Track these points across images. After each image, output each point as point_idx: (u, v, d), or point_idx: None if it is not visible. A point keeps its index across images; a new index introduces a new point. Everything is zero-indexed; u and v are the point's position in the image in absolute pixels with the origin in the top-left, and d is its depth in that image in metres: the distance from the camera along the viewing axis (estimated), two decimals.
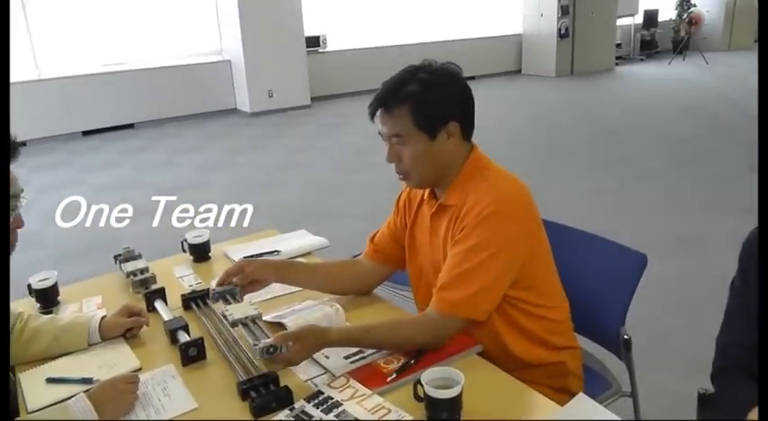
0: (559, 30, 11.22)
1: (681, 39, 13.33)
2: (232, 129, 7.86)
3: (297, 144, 6.98)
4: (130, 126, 8.00)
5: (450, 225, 1.40)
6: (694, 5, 13.24)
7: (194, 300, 1.62)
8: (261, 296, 1.65)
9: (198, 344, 1.36)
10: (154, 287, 1.66)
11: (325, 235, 2.07)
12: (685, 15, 13.32)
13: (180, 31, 8.40)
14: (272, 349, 1.19)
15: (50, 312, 1.64)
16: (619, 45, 12.93)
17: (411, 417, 1.12)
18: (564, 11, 11.18)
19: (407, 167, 1.42)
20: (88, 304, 1.70)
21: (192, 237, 1.94)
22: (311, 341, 1.25)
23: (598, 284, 1.66)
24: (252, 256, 1.88)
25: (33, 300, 1.69)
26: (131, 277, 1.73)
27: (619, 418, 1.09)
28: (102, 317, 1.48)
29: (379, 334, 1.32)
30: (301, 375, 1.29)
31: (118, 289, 1.79)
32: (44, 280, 1.69)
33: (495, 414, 1.14)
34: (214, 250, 1.98)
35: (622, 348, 1.58)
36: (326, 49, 9.46)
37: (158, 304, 1.60)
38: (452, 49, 10.49)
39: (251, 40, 8.17)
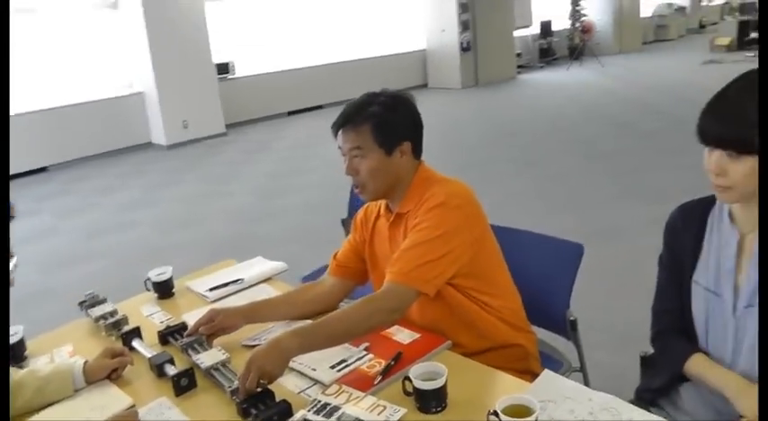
0: (461, 43, 11.75)
1: (576, 45, 14.28)
2: (149, 165, 7.72)
3: (217, 173, 6.97)
4: (43, 170, 7.69)
5: (408, 228, 1.56)
6: (585, 15, 14.26)
7: (171, 334, 1.67)
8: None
9: (189, 374, 1.43)
10: (127, 327, 1.70)
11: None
12: (577, 24, 14.33)
13: (88, 65, 8.18)
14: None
15: (21, 368, 1.64)
16: (519, 54, 13.67)
17: (405, 410, 1.24)
18: (465, 26, 11.73)
19: (364, 180, 1.58)
20: (59, 354, 1.69)
21: (156, 275, 1.98)
22: (272, 360, 1.33)
23: (542, 276, 1.85)
24: (216, 287, 1.95)
25: None
26: (102, 321, 1.75)
27: (580, 385, 1.26)
28: (85, 362, 1.51)
29: (328, 328, 1.41)
30: (293, 389, 1.38)
31: (86, 334, 1.80)
32: (11, 335, 1.69)
33: (476, 397, 1.29)
34: (176, 285, 2.03)
35: (569, 328, 1.78)
36: (236, 76, 9.48)
37: (136, 343, 1.65)
38: (360, 67, 10.81)
39: (162, 69, 8.07)
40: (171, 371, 1.46)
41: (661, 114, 7.88)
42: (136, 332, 1.68)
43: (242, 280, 1.99)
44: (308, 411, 1.27)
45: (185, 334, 1.62)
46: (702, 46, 14.32)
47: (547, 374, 1.34)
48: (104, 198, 6.40)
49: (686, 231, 1.35)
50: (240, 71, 9.56)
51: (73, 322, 1.89)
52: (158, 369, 1.50)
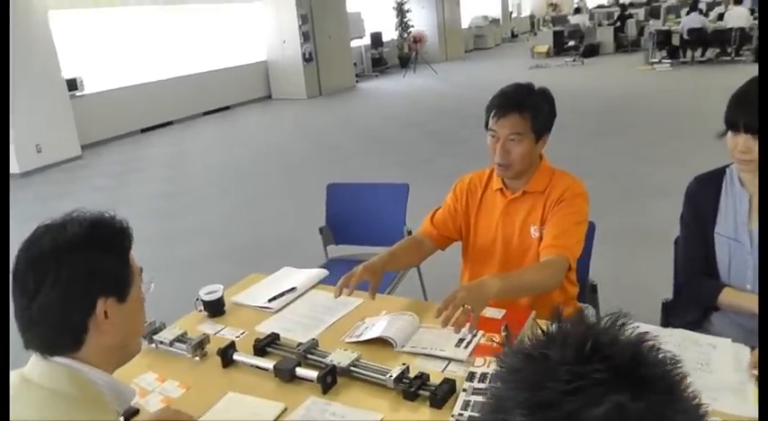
0: (304, 54, 12.00)
1: (406, 55, 15.27)
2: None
3: (92, 200, 6.43)
4: None
5: (538, 204, 1.86)
6: (412, 26, 15.31)
7: (268, 345, 1.72)
8: (320, 327, 1.83)
9: (333, 372, 1.53)
10: (220, 346, 1.71)
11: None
12: (406, 35, 15.35)
13: None
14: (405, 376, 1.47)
15: None
16: (355, 64, 14.26)
17: None
18: (306, 37, 11.99)
19: (513, 161, 1.83)
20: (145, 380, 1.65)
21: (206, 294, 1.97)
22: (474, 295, 1.55)
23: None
24: (274, 298, 2.01)
25: None
26: (179, 345, 1.74)
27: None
28: None
29: (529, 276, 1.71)
30: (437, 369, 1.55)
31: (159, 360, 1.76)
32: None
33: None
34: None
35: (589, 292, 2.13)
36: (84, 93, 8.80)
37: (239, 356, 1.68)
38: (206, 79, 10.59)
39: (11, 90, 7.16)
40: (305, 372, 1.54)
41: None
42: (232, 346, 1.70)
43: (295, 288, 2.07)
44: (473, 382, 1.45)
45: (341, 286, 1.78)
46: (523, 53, 16.21)
47: None
48: None
49: (706, 195, 1.78)
50: (89, 87, 8.88)
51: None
52: (289, 373, 1.56)
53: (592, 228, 2.13)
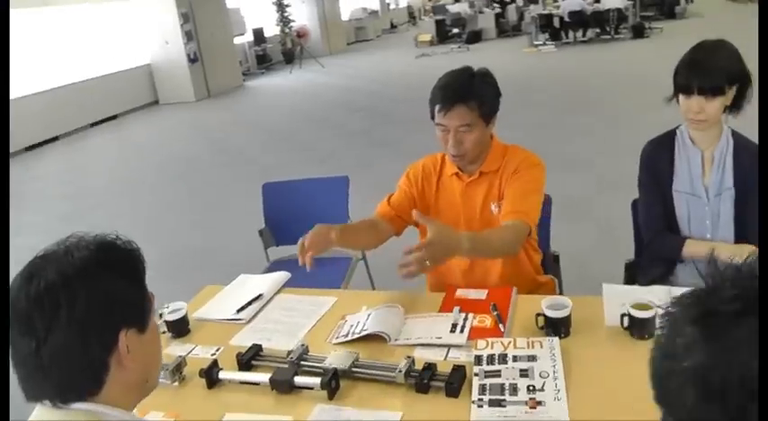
0: (188, 55, 11.47)
1: (290, 50, 15.02)
2: None
3: None
4: None
5: (495, 181, 1.87)
6: (293, 21, 15.06)
7: (253, 357, 1.62)
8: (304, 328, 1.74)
9: (336, 376, 1.45)
10: (203, 366, 1.58)
11: None
12: (288, 30, 15.07)
13: None
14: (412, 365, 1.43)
15: None
16: (240, 62, 13.84)
17: (557, 338, 1.50)
18: (189, 36, 11.46)
19: (467, 150, 1.81)
20: None
21: (169, 314, 1.82)
22: (441, 249, 1.52)
23: None
24: (242, 308, 1.89)
25: None
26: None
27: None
28: None
29: (495, 237, 1.71)
30: (438, 358, 1.51)
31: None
32: None
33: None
34: None
35: (551, 262, 2.19)
36: None
37: (225, 374, 1.56)
38: (88, 88, 9.88)
39: None
40: (304, 379, 1.46)
41: (395, 99, 9.11)
42: (216, 365, 1.58)
43: (262, 295, 1.95)
44: (482, 365, 1.43)
45: (301, 254, 1.70)
46: (405, 43, 16.45)
47: (607, 286, 1.72)
48: None
49: (661, 156, 1.88)
50: None
51: None
52: (288, 384, 1.47)
53: (549, 201, 2.19)
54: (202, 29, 11.74)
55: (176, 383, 1.58)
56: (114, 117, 10.62)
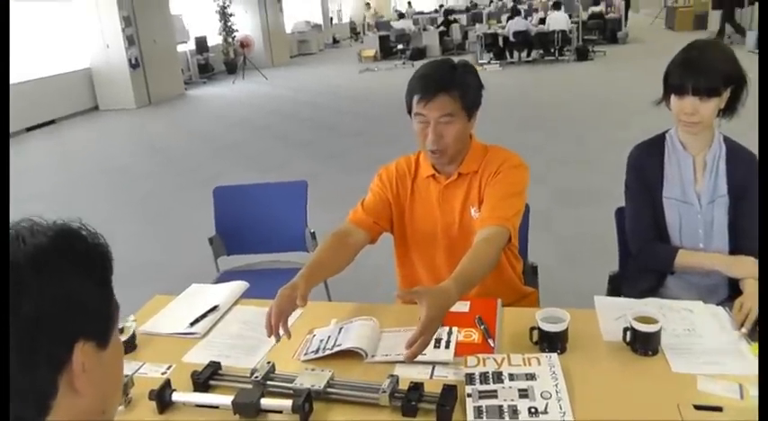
0: (130, 60, 11.01)
1: (233, 60, 14.70)
2: None
3: None
4: None
5: (474, 183, 1.73)
6: (236, 30, 14.76)
7: (211, 377, 1.41)
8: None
9: (310, 398, 1.27)
10: (153, 387, 1.37)
11: None
12: (231, 40, 14.76)
13: None
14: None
15: None
16: (182, 71, 13.41)
17: (555, 354, 1.37)
18: (130, 41, 11.00)
19: (447, 144, 1.67)
20: None
21: None
22: (440, 317, 1.35)
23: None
24: (196, 320, 1.68)
25: None
26: None
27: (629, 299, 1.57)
28: None
29: (477, 265, 1.51)
30: (423, 377, 1.36)
31: None
32: None
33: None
34: None
35: (530, 274, 2.08)
36: None
37: (180, 396, 1.35)
38: (24, 90, 9.26)
39: None
40: (272, 402, 1.28)
41: (339, 111, 9.04)
42: (168, 385, 1.37)
43: (218, 306, 1.75)
44: (475, 385, 1.29)
45: (269, 327, 1.44)
46: (348, 57, 16.37)
47: (599, 299, 1.61)
48: None
49: (650, 162, 1.79)
50: None
51: None
52: (254, 408, 1.28)
53: (527, 211, 2.08)
54: (144, 34, 11.29)
55: (122, 407, 1.36)
56: (52, 122, 10.02)
